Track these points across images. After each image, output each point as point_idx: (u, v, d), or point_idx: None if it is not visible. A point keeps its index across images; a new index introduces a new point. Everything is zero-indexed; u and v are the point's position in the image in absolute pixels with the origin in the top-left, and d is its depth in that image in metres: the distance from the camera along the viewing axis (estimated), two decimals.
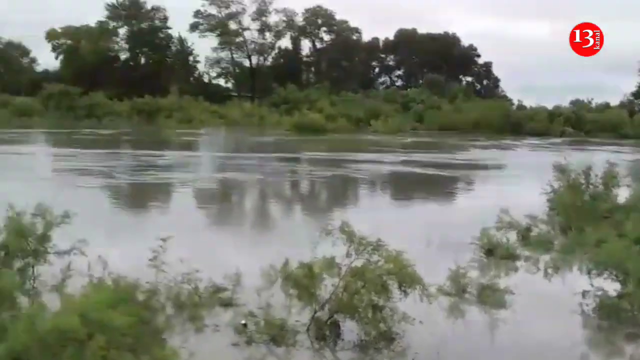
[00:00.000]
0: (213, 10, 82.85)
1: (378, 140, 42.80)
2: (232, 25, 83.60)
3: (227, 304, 7.90)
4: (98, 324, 4.99)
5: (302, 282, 6.99)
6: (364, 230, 9.13)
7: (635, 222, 9.79)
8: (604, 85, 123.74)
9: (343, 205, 18.13)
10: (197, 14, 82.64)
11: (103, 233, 11.23)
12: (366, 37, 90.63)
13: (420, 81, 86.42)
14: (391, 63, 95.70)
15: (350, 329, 7.06)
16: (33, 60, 79.89)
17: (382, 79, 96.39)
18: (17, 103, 56.27)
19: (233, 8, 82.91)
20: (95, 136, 39.30)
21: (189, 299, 7.74)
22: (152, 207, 16.21)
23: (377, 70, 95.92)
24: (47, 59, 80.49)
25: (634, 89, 69.38)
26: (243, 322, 7.18)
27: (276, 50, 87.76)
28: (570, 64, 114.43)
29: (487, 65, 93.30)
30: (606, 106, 69.87)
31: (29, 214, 6.63)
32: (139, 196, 17.78)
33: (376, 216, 15.64)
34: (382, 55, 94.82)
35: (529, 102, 74.10)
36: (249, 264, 8.49)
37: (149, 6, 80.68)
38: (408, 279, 6.98)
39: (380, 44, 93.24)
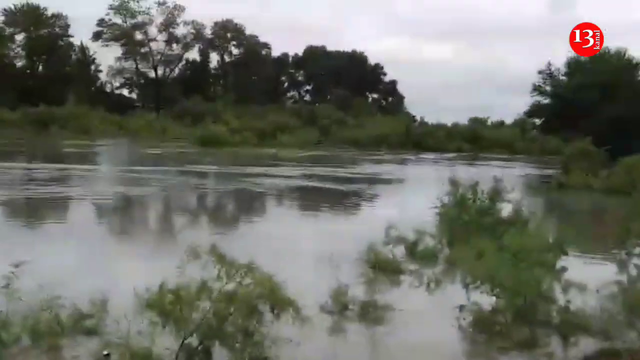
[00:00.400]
0: (118, 19, 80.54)
1: (281, 154, 42.72)
2: (138, 36, 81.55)
3: (92, 332, 7.37)
4: None
5: (167, 308, 6.57)
6: (251, 248, 8.80)
7: (513, 236, 10.08)
8: (500, 104, 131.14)
9: (233, 221, 17.76)
10: (101, 22, 80.00)
11: None
12: (276, 52, 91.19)
13: (328, 97, 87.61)
14: (300, 78, 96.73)
15: (222, 355, 6.73)
16: None
17: (290, 94, 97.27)
18: None
19: (139, 18, 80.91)
20: None
21: (48, 328, 7.15)
22: (23, 225, 15.00)
23: (285, 85, 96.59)
24: None
25: (526, 108, 73.58)
26: (105, 352, 6.68)
27: (183, 62, 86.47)
28: (470, 85, 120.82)
29: (393, 83, 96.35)
30: (501, 124, 73.95)
31: None
32: (12, 213, 16.50)
33: (267, 231, 15.42)
34: (291, 71, 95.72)
35: (431, 119, 77.04)
36: (124, 287, 7.94)
37: (49, 13, 77.36)
38: (280, 302, 6.75)
39: (290, 59, 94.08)
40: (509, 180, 16.92)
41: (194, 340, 6.73)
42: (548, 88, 69.09)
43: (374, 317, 8.29)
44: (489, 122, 73.76)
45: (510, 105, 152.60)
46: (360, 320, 8.22)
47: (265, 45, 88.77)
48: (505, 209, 13.95)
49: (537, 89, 69.80)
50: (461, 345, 7.93)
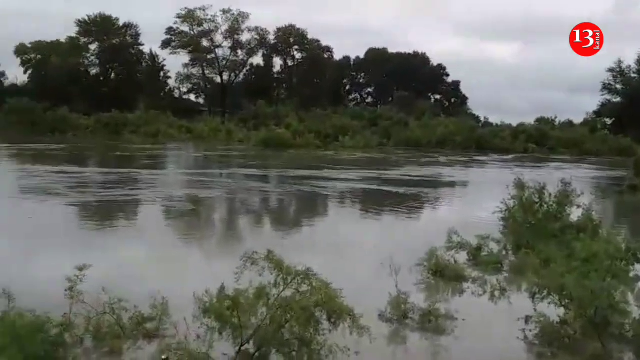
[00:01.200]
0: (185, 27, 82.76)
1: (341, 157, 42.60)
2: (205, 43, 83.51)
3: (153, 335, 7.48)
4: None
5: (225, 314, 6.57)
6: (310, 251, 8.66)
7: (583, 242, 9.60)
8: (568, 104, 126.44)
9: (293, 224, 17.73)
10: (169, 31, 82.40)
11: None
12: (338, 56, 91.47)
13: (390, 98, 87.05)
14: (362, 81, 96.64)
15: None
16: (1, 75, 78.37)
17: (352, 96, 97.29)
18: None
19: (205, 26, 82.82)
20: (48, 151, 38.15)
21: (110, 330, 7.30)
22: (94, 228, 15.46)
23: (347, 87, 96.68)
24: (18, 74, 78.89)
25: (596, 107, 70.72)
26: (164, 356, 6.75)
27: (248, 67, 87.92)
28: (536, 84, 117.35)
29: (456, 84, 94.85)
30: (569, 124, 71.09)
31: None
32: (84, 216, 17.06)
33: (326, 235, 15.39)
34: (353, 73, 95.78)
35: (495, 120, 75.33)
36: (186, 290, 8.00)
37: (121, 22, 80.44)
38: (337, 310, 6.63)
39: (351, 62, 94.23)
40: (577, 183, 16.24)
41: (251, 347, 6.73)
42: (618, 86, 66.24)
43: (435, 326, 8.05)
44: (556, 122, 71.23)
45: (578, 105, 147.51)
46: (420, 330, 8.00)
47: (327, 49, 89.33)
48: (574, 214, 13.39)
49: (606, 88, 67.04)
50: (527, 359, 7.58)
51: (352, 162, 39.18)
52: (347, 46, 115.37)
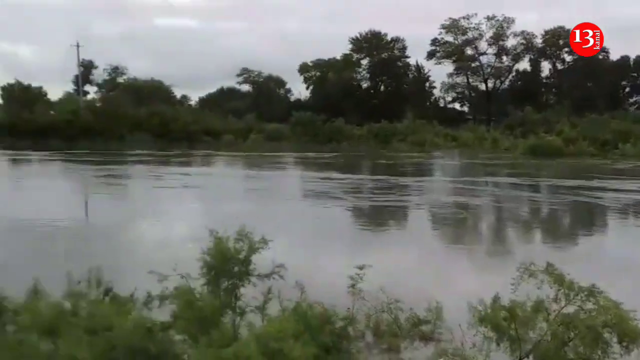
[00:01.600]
0: (449, 38, 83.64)
1: (620, 166, 38.35)
2: (469, 51, 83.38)
3: (428, 338, 7.63)
4: (276, 354, 5.05)
5: (502, 325, 6.41)
6: (588, 266, 7.94)
7: None
8: None
9: (569, 236, 16.51)
10: (434, 42, 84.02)
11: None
12: (615, 56, 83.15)
13: None
14: None
15: None
16: (288, 91, 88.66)
17: (633, 99, 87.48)
18: (269, 129, 63.08)
19: (470, 34, 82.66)
20: (326, 159, 41.51)
21: (388, 328, 7.65)
22: (367, 229, 16.40)
23: (627, 89, 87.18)
24: (301, 89, 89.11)
25: None
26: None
27: (513, 73, 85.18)
28: None
29: None
30: None
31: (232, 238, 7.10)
32: (357, 219, 18.20)
33: (610, 251, 14.04)
34: (634, 74, 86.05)
35: None
36: (456, 295, 8.06)
37: (389, 37, 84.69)
38: (630, 334, 5.99)
39: (631, 62, 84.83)
40: None
41: None
42: None
43: None
44: None
45: None
46: None
47: (603, 49, 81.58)
48: None
49: None
50: None
51: (634, 171, 35.16)
52: (626, 46, 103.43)
